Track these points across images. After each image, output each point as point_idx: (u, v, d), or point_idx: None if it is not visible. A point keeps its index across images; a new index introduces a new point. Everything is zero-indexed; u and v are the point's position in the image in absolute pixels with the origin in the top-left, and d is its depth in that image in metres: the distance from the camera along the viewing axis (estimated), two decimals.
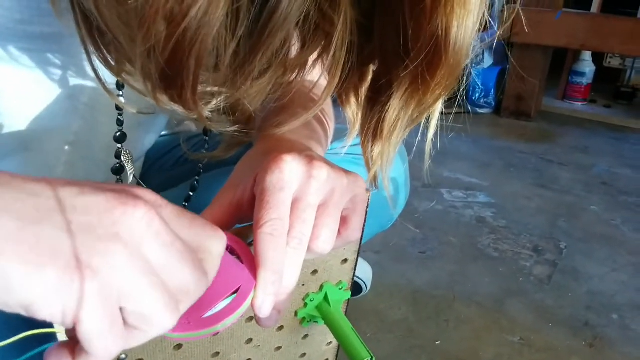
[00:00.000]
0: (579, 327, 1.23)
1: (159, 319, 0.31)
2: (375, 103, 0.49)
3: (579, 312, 1.28)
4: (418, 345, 1.14)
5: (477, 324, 1.22)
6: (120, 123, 0.57)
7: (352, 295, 1.22)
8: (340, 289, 0.55)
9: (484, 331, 1.19)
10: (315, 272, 0.52)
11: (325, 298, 0.54)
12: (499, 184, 2.01)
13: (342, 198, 0.43)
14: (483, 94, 2.85)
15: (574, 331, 1.21)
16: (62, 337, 0.34)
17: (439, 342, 1.15)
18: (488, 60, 2.83)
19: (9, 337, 0.32)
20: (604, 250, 1.57)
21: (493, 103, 2.86)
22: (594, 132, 2.68)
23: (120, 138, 0.57)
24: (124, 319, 0.31)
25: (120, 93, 0.52)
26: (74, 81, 0.58)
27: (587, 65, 3.01)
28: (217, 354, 0.50)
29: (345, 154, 0.82)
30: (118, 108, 0.56)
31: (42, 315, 0.28)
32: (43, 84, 0.57)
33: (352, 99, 0.52)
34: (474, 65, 2.84)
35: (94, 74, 0.43)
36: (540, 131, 2.67)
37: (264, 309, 0.39)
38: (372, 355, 0.48)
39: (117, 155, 0.58)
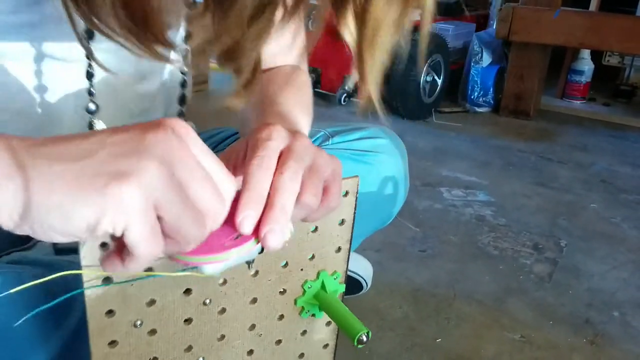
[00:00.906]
0: (580, 325, 1.23)
1: (188, 231, 0.36)
2: (363, 13, 0.50)
3: (580, 310, 1.28)
4: (419, 343, 1.13)
5: (477, 321, 1.22)
6: (89, 76, 0.57)
7: (353, 293, 1.22)
8: (335, 279, 0.55)
9: (484, 329, 1.19)
10: (312, 257, 0.53)
11: (322, 286, 0.55)
12: (498, 182, 2.01)
13: (324, 166, 0.45)
14: (482, 92, 2.85)
15: (575, 329, 1.21)
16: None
17: (439, 340, 1.15)
18: (487, 59, 2.83)
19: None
20: (604, 248, 1.57)
21: (492, 102, 2.86)
22: (593, 131, 2.68)
23: (91, 94, 0.58)
24: (161, 229, 0.36)
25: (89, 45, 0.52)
26: (62, 67, 0.58)
27: (585, 64, 3.02)
28: (223, 337, 0.51)
29: (344, 149, 0.83)
30: (89, 60, 0.56)
31: (97, 232, 0.33)
32: (32, 73, 0.57)
33: (350, 18, 0.52)
34: (472, 64, 2.84)
35: (70, 22, 0.45)
36: (539, 130, 2.67)
37: (246, 224, 0.41)
38: (368, 330, 0.49)
39: (90, 127, 0.60)
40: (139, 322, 0.45)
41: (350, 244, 0.55)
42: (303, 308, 0.55)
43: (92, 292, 0.42)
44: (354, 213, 0.53)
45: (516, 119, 2.79)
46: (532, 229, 1.66)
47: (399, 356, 1.09)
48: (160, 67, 0.69)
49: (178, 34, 0.63)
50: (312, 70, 2.83)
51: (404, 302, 1.27)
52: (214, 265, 0.40)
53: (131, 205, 0.33)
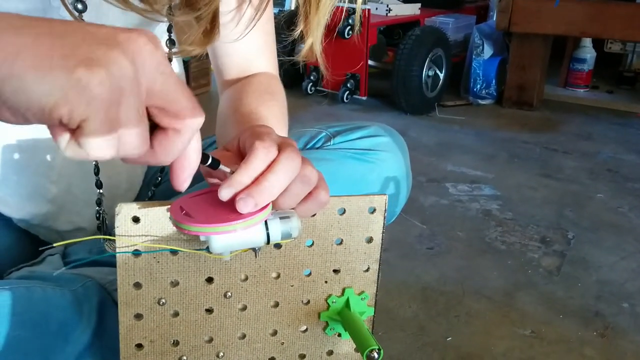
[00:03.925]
0: (590, 318, 1.23)
1: (132, 142, 0.34)
2: None
3: (589, 302, 1.28)
4: (429, 342, 1.14)
5: (487, 318, 1.22)
6: None
7: None
8: (362, 299, 0.55)
9: (494, 325, 1.19)
10: (336, 271, 0.54)
11: (347, 304, 0.55)
12: (503, 175, 2.00)
13: (311, 167, 0.47)
14: (484, 85, 2.84)
15: (585, 321, 1.21)
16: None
17: (450, 338, 1.15)
18: (488, 51, 2.83)
19: None
20: (612, 238, 1.57)
21: (495, 94, 2.85)
22: (597, 119, 2.67)
23: None
24: None
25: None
26: None
27: (587, 52, 3.01)
28: (244, 336, 0.53)
29: (346, 148, 0.83)
30: None
31: (51, 118, 0.31)
32: None
33: None
34: (474, 56, 2.83)
35: None
36: (543, 120, 2.67)
37: (224, 193, 0.43)
38: (380, 347, 0.49)
39: None
40: (162, 301, 0.48)
41: (380, 264, 0.55)
42: (327, 324, 0.56)
43: (122, 261, 0.46)
44: (383, 232, 0.53)
45: (520, 110, 2.78)
46: (539, 221, 1.66)
47: (409, 356, 1.10)
48: None
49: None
50: (314, 68, 2.83)
51: (413, 301, 1.27)
52: (220, 239, 0.42)
53: (97, 94, 0.31)
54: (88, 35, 0.33)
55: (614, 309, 1.26)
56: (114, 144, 0.34)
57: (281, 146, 0.46)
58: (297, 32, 0.65)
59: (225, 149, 0.50)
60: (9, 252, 0.71)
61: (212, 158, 0.44)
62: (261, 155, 0.44)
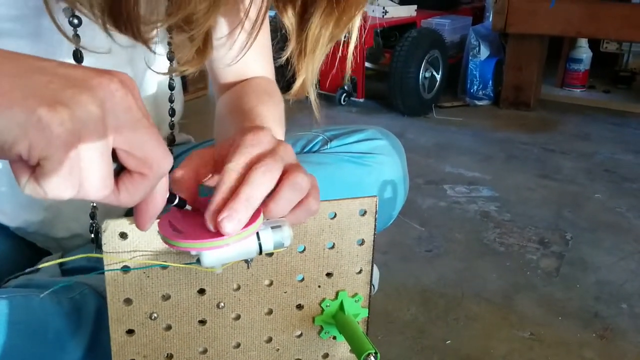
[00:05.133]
0: (589, 319, 1.23)
1: (92, 184, 0.34)
2: (302, 21, 0.61)
3: (588, 304, 1.28)
4: (429, 345, 1.13)
5: (486, 321, 1.22)
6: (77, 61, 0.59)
7: None
8: (356, 301, 0.55)
9: (493, 328, 1.19)
10: (329, 274, 0.54)
11: (341, 307, 0.55)
12: (501, 176, 2.00)
13: (302, 173, 0.46)
14: (481, 85, 2.85)
15: (584, 323, 1.21)
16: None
17: (449, 341, 1.15)
18: (484, 52, 2.83)
19: None
20: (610, 239, 1.57)
21: (492, 94, 2.86)
22: (594, 118, 2.68)
23: None
24: None
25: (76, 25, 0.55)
26: None
27: (584, 52, 3.01)
28: (239, 345, 0.52)
29: (343, 152, 0.83)
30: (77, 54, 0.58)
31: (10, 153, 0.32)
32: None
33: (289, 10, 0.62)
34: (470, 57, 2.83)
35: (45, 6, 0.48)
36: (541, 120, 2.67)
37: (210, 225, 0.42)
38: (377, 351, 0.49)
39: None
40: (154, 315, 0.48)
41: (372, 265, 0.55)
42: (322, 328, 0.55)
43: (111, 277, 0.46)
44: (374, 234, 0.53)
45: (517, 110, 2.78)
46: (537, 222, 1.66)
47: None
48: (142, 73, 0.71)
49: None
50: None
51: (413, 303, 1.27)
52: (211, 253, 0.42)
53: (57, 134, 0.31)
54: (58, 76, 0.33)
55: (613, 310, 1.26)
56: (73, 185, 0.33)
57: (266, 152, 0.45)
58: (283, 58, 0.65)
59: (219, 152, 0.49)
60: (6, 260, 0.71)
61: (179, 198, 0.43)
62: (228, 180, 0.43)
